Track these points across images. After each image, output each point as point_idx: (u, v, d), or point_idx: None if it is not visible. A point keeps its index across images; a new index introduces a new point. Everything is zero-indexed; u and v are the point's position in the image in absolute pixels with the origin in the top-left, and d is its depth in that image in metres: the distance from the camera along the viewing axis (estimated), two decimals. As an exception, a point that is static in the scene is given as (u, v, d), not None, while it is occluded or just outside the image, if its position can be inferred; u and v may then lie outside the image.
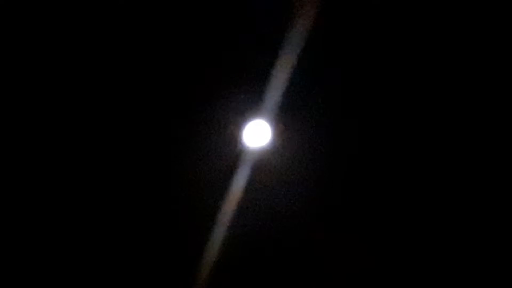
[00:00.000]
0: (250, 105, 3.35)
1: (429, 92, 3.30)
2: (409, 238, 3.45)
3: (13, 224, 3.33)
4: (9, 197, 3.31)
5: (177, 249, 3.50)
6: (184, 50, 3.28)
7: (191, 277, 3.44)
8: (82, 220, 3.42)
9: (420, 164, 3.41)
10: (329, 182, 3.44)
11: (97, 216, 3.43)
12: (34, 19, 3.12)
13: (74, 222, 3.40)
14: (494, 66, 3.23)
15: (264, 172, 3.41)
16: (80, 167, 3.38)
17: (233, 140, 3.42)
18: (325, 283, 3.42)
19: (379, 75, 3.29)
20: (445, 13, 3.13)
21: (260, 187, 3.42)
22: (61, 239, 3.39)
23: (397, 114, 3.35)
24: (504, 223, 3.38)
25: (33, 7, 3.08)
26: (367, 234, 3.46)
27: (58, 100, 3.29)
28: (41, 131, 3.29)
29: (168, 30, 3.23)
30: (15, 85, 3.21)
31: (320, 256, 3.46)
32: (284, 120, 3.40)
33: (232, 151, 3.42)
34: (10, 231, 3.34)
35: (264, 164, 3.42)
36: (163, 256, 3.51)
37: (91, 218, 3.43)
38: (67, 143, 3.34)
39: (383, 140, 3.40)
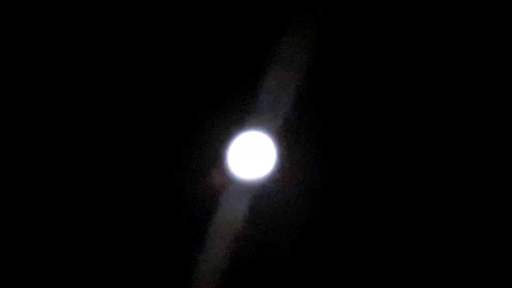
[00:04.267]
0: (243, 116, 3.01)
1: (438, 114, 3.23)
2: (412, 267, 3.34)
3: (11, 223, 3.33)
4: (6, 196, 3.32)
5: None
6: (174, 56, 3.15)
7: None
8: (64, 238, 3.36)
9: (425, 189, 3.30)
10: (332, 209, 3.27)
11: (77, 238, 3.34)
12: (34, 19, 3.12)
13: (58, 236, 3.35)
14: (495, 75, 3.21)
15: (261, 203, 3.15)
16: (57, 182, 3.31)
17: (220, 165, 3.07)
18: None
19: (395, 87, 3.22)
20: (446, 32, 3.15)
21: (256, 226, 3.17)
22: (53, 241, 3.34)
23: (406, 132, 3.28)
24: (504, 229, 3.33)
25: (33, 7, 3.10)
26: (369, 261, 3.35)
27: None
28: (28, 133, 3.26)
29: (154, 36, 3.13)
30: (14, 85, 3.20)
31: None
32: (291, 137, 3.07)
33: (217, 180, 3.09)
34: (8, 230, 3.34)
35: (261, 199, 3.13)
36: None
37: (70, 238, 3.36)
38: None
39: (395, 161, 3.28)
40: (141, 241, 3.35)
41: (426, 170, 3.33)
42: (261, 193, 3.02)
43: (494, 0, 3.07)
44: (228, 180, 2.98)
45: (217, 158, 3.00)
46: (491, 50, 3.15)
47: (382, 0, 3.07)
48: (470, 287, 3.32)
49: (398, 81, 3.20)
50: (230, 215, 2.99)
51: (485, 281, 3.33)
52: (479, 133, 3.31)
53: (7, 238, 3.36)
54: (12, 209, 3.32)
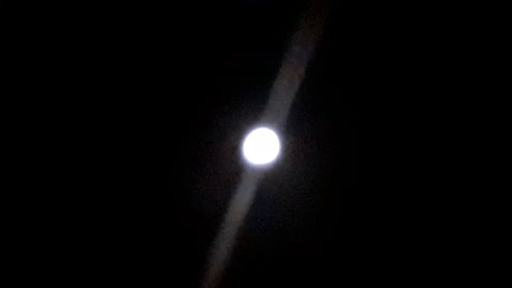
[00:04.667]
0: (255, 115, 3.23)
1: (439, 111, 3.28)
2: (412, 262, 3.44)
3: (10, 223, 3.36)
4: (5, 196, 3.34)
5: (178, 268, 3.45)
6: (183, 54, 3.24)
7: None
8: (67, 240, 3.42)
9: (429, 187, 3.38)
10: (339, 200, 3.40)
11: (85, 237, 3.41)
12: (34, 19, 3.13)
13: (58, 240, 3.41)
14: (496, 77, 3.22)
15: (269, 189, 3.33)
16: (72, 178, 3.38)
17: (235, 153, 3.29)
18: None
19: (395, 84, 3.26)
20: (445, 31, 3.16)
21: (264, 204, 3.35)
22: (53, 241, 3.41)
23: (408, 128, 3.33)
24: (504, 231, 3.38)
25: (33, 7, 3.09)
26: (373, 255, 3.45)
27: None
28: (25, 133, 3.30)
29: (164, 34, 3.18)
30: (13, 85, 3.22)
31: (323, 275, 3.45)
32: (292, 132, 3.27)
33: (234, 166, 3.30)
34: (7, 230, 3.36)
35: (269, 180, 3.32)
36: (162, 276, 3.46)
37: (77, 237, 3.42)
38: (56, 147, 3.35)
39: (399, 154, 3.36)
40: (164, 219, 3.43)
41: (424, 164, 3.35)
42: (268, 176, 3.31)
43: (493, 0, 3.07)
44: (242, 165, 3.30)
45: (234, 148, 3.28)
46: (490, 48, 3.16)
47: (381, 1, 3.10)
48: None
49: (394, 79, 3.25)
50: (244, 193, 3.28)
51: (485, 281, 3.37)
52: (476, 129, 3.29)
53: (21, 238, 3.36)
54: (13, 210, 3.34)
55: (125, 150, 3.34)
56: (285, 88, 3.14)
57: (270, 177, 3.31)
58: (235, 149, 3.29)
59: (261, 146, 3.28)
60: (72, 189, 3.36)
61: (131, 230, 3.41)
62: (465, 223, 3.39)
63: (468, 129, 3.30)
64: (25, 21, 3.11)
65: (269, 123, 3.23)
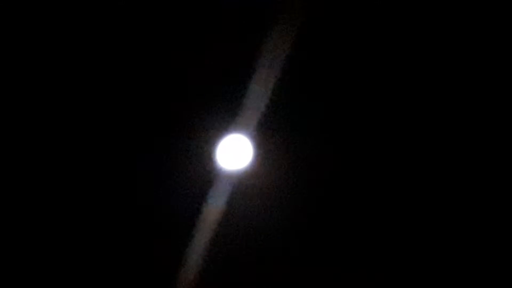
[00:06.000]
0: (228, 120, 3.22)
1: (416, 113, 3.29)
2: (397, 269, 3.46)
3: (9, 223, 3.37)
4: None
5: (151, 273, 3.47)
6: (156, 59, 3.23)
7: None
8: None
9: (410, 187, 3.40)
10: (311, 205, 3.42)
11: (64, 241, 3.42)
12: (34, 19, 3.11)
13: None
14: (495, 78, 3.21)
15: (242, 194, 3.35)
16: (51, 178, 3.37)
17: (208, 159, 3.29)
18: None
19: (367, 89, 3.26)
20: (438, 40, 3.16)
21: (237, 209, 3.37)
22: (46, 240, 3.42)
23: (387, 133, 3.34)
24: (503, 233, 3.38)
25: (33, 7, 3.07)
26: (352, 262, 3.48)
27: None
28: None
29: (139, 40, 3.18)
30: (13, 85, 3.21)
31: (296, 279, 3.48)
32: (266, 137, 3.27)
33: (207, 172, 3.30)
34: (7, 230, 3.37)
35: (242, 186, 3.33)
36: (135, 281, 3.47)
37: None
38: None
39: (373, 160, 3.38)
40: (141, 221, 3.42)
41: (399, 168, 3.36)
42: (241, 181, 3.32)
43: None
44: (215, 170, 3.29)
45: (208, 154, 3.27)
46: (488, 46, 3.14)
47: (354, 6, 3.09)
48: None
49: (368, 84, 3.24)
50: (218, 197, 3.29)
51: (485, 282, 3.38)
52: (463, 134, 3.28)
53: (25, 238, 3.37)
54: (14, 210, 3.35)
55: (97, 153, 3.35)
56: (258, 94, 3.15)
57: (243, 183, 3.32)
58: (209, 155, 3.29)
59: (234, 152, 3.28)
60: (53, 188, 3.37)
61: (103, 236, 3.42)
62: (455, 220, 3.41)
63: (456, 124, 3.30)
64: (24, 21, 3.10)
65: (242, 129, 3.23)
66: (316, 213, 3.42)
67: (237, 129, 3.23)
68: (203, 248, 3.36)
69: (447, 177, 3.35)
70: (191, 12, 3.11)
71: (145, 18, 3.12)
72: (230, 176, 3.30)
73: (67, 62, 3.19)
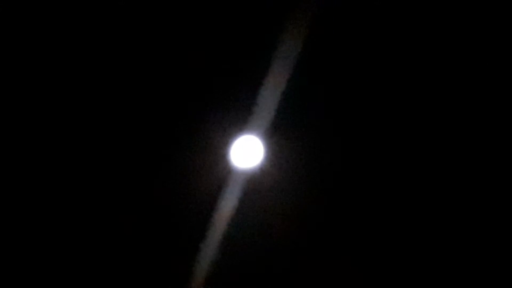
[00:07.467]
0: (240, 121, 3.24)
1: (421, 111, 3.27)
2: (402, 267, 3.46)
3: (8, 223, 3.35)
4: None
5: (165, 270, 3.47)
6: (169, 61, 3.21)
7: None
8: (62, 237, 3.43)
9: (416, 185, 3.38)
10: (323, 204, 3.42)
11: (76, 239, 3.42)
12: (34, 19, 3.09)
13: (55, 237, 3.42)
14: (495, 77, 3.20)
15: (255, 193, 3.35)
16: (62, 179, 3.37)
17: (221, 158, 3.31)
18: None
19: (379, 90, 3.25)
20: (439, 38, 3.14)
21: (250, 207, 3.38)
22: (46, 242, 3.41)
23: (399, 133, 3.32)
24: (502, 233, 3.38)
25: (33, 7, 3.05)
26: (361, 257, 3.47)
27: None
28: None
29: (153, 41, 3.16)
30: (12, 85, 3.20)
31: (308, 277, 3.48)
32: (277, 137, 3.29)
33: (221, 170, 3.32)
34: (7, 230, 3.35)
35: (254, 184, 3.34)
36: (150, 278, 3.48)
37: (71, 236, 3.42)
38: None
39: (384, 159, 3.35)
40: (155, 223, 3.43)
41: (408, 168, 3.35)
42: (253, 180, 3.35)
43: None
44: (228, 170, 3.32)
45: (221, 154, 3.29)
46: (489, 47, 3.14)
47: (363, 8, 3.08)
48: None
49: (378, 85, 3.22)
50: (231, 197, 3.32)
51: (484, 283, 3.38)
52: (458, 136, 3.29)
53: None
54: (14, 210, 3.35)
55: (114, 155, 3.35)
56: (270, 96, 3.16)
57: (255, 181, 3.34)
58: (222, 155, 3.30)
59: (247, 152, 3.30)
60: (62, 190, 3.37)
61: (118, 233, 3.43)
62: (454, 219, 3.41)
63: (457, 124, 3.29)
64: (24, 21, 3.08)
65: (254, 129, 3.26)
66: (326, 210, 3.43)
67: (249, 129, 3.25)
68: (217, 244, 3.38)
69: (457, 177, 3.35)
70: (206, 13, 3.10)
71: (161, 20, 3.11)
72: (242, 174, 3.31)
73: (84, 65, 3.19)
